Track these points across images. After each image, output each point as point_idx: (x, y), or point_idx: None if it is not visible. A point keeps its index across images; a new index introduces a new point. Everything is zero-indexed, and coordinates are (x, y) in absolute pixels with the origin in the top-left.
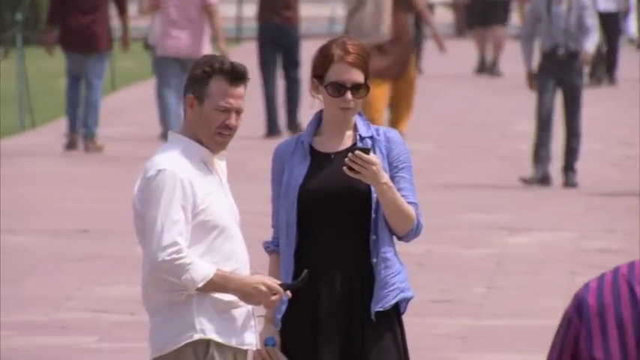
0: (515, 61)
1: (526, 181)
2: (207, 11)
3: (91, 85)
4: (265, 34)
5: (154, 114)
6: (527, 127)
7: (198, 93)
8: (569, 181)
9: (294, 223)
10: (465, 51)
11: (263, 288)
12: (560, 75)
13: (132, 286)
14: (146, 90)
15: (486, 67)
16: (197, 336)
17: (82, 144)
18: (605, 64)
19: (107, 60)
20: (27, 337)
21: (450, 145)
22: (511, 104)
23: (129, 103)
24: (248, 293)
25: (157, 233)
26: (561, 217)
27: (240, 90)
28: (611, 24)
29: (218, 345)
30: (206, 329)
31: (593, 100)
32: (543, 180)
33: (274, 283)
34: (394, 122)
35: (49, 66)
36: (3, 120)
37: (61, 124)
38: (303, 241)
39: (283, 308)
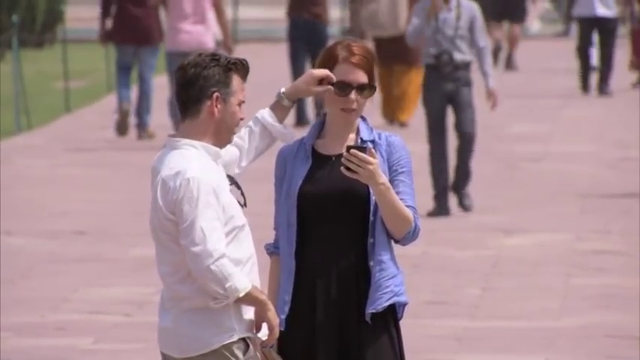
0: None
1: (430, 215)
2: (216, 8)
3: (143, 77)
4: (294, 30)
5: (151, 116)
6: (523, 128)
7: (223, 90)
8: (464, 206)
9: (294, 224)
10: None
11: (274, 330)
12: (446, 89)
13: (128, 288)
14: None
15: (497, 60)
16: (236, 336)
17: (131, 132)
18: (599, 73)
19: (159, 51)
20: (24, 338)
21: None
22: (506, 106)
23: None
24: (266, 317)
25: (200, 240)
26: (557, 219)
27: None
28: (607, 30)
29: (252, 341)
30: (243, 327)
31: (588, 102)
32: (444, 212)
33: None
34: (398, 111)
35: (45, 68)
36: None
37: (57, 126)
38: (302, 242)
39: (286, 309)
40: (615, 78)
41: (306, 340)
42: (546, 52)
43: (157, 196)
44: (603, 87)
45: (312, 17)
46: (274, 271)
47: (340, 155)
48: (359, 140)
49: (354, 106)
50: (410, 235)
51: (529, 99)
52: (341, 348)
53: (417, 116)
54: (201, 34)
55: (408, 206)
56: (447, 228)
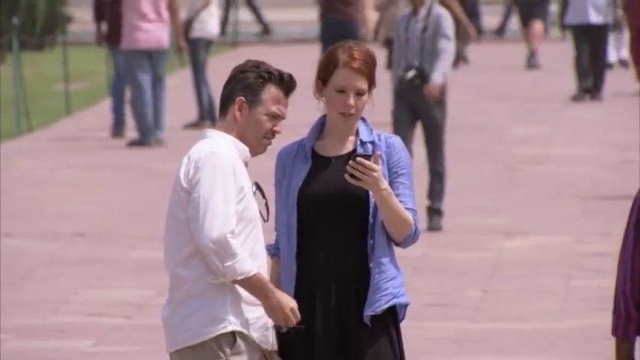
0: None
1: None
2: (171, 7)
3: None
4: (326, 31)
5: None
6: (523, 131)
7: (250, 97)
8: (433, 225)
9: (294, 225)
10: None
11: (287, 311)
12: (415, 105)
13: (128, 290)
14: None
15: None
16: (230, 327)
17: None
18: (592, 79)
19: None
20: (24, 340)
21: (446, 149)
22: (507, 108)
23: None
24: (273, 308)
25: (213, 212)
26: (557, 221)
27: (288, 101)
28: (599, 37)
29: (244, 337)
30: (237, 322)
31: (589, 104)
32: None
33: (297, 312)
34: None
35: (45, 70)
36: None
37: (58, 128)
38: (303, 244)
39: None
40: (616, 80)
41: (307, 341)
42: (547, 54)
43: (179, 173)
44: (596, 93)
45: (345, 17)
46: (274, 274)
47: (339, 157)
48: (358, 142)
49: (352, 111)
50: (410, 238)
51: (530, 101)
52: (341, 350)
53: None
54: (159, 31)
55: (407, 209)
56: (447, 230)
